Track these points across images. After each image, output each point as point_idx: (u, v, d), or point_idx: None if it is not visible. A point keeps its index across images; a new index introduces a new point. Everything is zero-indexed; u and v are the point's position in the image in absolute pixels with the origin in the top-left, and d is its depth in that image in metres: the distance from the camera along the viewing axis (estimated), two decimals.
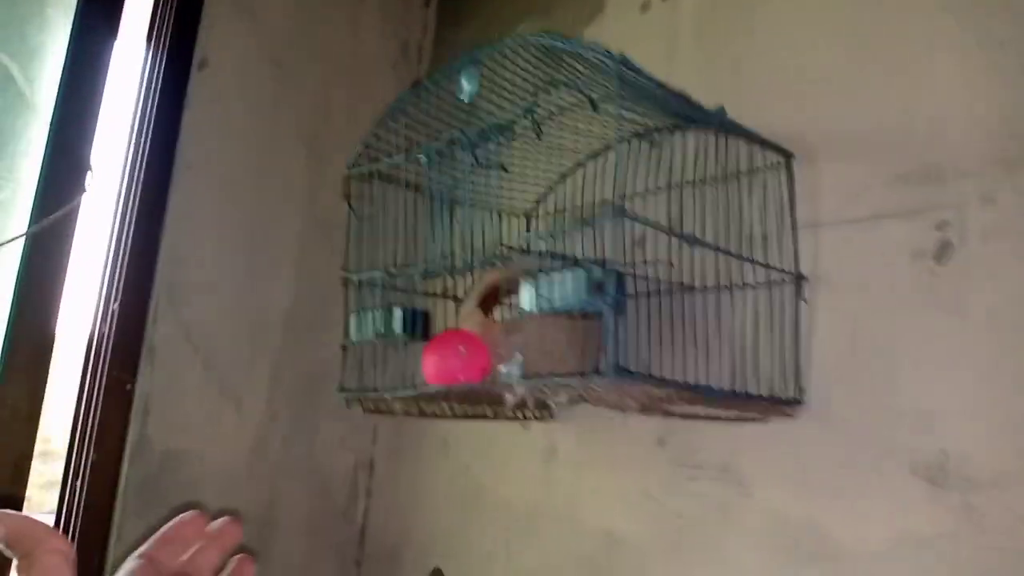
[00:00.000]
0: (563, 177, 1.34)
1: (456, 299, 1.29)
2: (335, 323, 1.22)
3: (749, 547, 1.07)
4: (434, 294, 1.28)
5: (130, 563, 0.44)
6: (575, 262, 0.86)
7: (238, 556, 0.48)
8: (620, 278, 0.84)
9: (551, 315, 0.89)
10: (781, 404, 1.01)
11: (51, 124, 1.34)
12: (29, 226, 1.28)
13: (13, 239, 1.26)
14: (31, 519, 0.38)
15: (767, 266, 1.04)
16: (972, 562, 0.87)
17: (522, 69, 1.07)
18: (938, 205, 0.95)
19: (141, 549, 0.45)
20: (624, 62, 0.84)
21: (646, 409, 0.98)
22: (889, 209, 0.99)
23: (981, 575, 0.86)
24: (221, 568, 0.47)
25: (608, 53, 0.85)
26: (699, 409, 1.00)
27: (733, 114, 1.08)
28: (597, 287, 0.84)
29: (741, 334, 1.04)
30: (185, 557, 0.46)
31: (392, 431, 1.67)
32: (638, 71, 0.86)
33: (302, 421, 1.61)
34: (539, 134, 1.18)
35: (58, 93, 1.35)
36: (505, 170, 1.19)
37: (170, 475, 1.42)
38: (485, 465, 1.46)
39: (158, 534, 0.46)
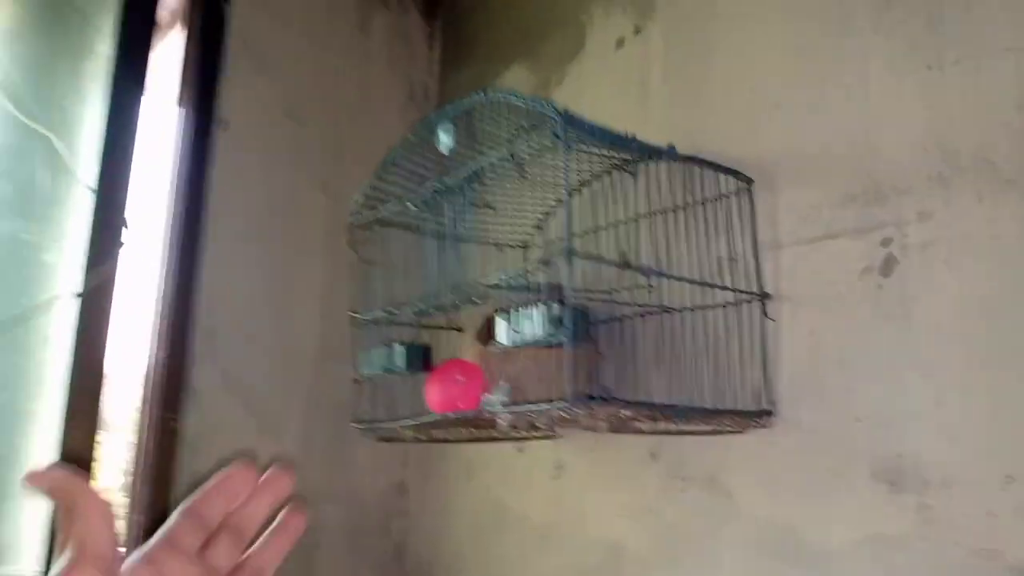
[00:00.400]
0: (554, 209, 1.42)
1: (460, 331, 1.38)
2: None
3: (737, 553, 1.12)
4: (439, 327, 1.37)
5: (173, 518, 0.42)
6: (538, 298, 0.93)
7: (287, 508, 0.46)
8: (578, 312, 0.92)
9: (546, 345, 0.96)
10: (754, 416, 1.07)
11: (95, 190, 1.47)
12: (85, 281, 1.42)
13: (55, 298, 1.40)
14: (74, 477, 0.39)
15: (731, 289, 1.10)
16: (929, 559, 0.91)
17: (504, 116, 1.16)
18: (882, 223, 1.00)
19: (185, 504, 0.43)
20: (566, 116, 0.92)
21: (615, 428, 1.05)
22: (839, 228, 1.04)
23: (938, 571, 0.91)
24: (271, 520, 0.46)
25: (553, 108, 0.93)
26: (671, 425, 1.06)
27: (700, 143, 1.15)
28: (557, 321, 0.92)
29: (715, 351, 1.10)
30: (232, 509, 0.44)
31: (422, 455, 1.76)
32: (579, 121, 0.93)
33: (336, 449, 1.72)
34: (523, 174, 1.27)
35: (101, 160, 1.48)
36: (492, 208, 1.28)
37: None
38: (504, 484, 1.54)
39: (204, 487, 0.44)
